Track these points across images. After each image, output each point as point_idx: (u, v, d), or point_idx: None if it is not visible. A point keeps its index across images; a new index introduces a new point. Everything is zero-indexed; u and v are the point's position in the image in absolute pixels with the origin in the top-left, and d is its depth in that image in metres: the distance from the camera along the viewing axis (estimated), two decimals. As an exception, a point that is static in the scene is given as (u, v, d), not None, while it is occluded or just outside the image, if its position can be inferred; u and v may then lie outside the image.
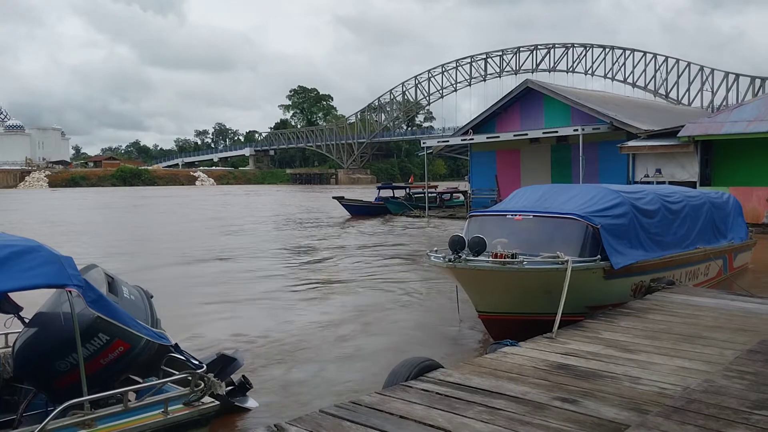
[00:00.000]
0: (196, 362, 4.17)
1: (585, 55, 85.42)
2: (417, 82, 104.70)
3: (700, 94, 74.33)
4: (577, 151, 25.94)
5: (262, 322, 9.26)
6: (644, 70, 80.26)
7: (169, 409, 3.80)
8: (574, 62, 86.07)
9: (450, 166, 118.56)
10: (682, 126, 24.05)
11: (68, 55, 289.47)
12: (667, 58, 78.69)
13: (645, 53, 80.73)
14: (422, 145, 34.95)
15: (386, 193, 35.87)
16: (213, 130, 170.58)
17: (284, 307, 10.39)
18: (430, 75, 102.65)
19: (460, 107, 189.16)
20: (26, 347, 4.02)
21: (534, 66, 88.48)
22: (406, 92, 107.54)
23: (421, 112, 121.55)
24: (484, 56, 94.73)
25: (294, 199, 55.79)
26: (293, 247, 19.20)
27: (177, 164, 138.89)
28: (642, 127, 25.94)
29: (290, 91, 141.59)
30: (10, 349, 4.39)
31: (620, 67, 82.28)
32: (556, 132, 27.65)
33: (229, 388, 5.48)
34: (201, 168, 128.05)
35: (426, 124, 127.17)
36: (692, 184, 21.78)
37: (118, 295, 4.24)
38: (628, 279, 8.00)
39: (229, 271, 14.45)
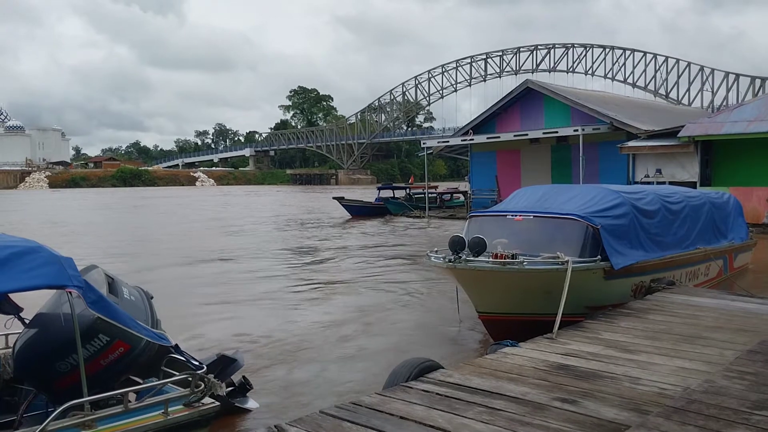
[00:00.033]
0: (197, 363, 4.17)
1: (585, 55, 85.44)
2: (417, 82, 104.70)
3: (700, 94, 74.40)
4: (577, 152, 25.93)
5: (264, 322, 9.26)
6: (644, 70, 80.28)
7: (169, 409, 3.80)
8: (574, 62, 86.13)
9: (450, 166, 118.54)
10: (683, 126, 24.05)
11: (68, 55, 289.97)
12: (667, 58, 78.69)
13: (645, 53, 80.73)
14: (422, 146, 34.95)
15: (386, 193, 35.88)
16: (213, 130, 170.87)
17: (285, 308, 10.39)
18: (430, 75, 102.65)
19: (460, 107, 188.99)
20: (26, 348, 4.02)
21: (534, 66, 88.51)
22: (406, 92, 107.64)
23: (421, 112, 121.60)
24: (484, 56, 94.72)
25: (294, 199, 55.80)
26: (294, 248, 19.20)
27: (177, 165, 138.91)
28: (642, 128, 25.93)
29: (290, 92, 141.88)
30: (10, 350, 4.39)
31: (620, 68, 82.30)
32: (556, 132, 27.64)
33: (230, 388, 5.48)
34: (201, 168, 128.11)
35: (426, 125, 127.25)
36: (692, 185, 21.77)
37: (118, 295, 4.24)
38: (629, 279, 8.00)
39: (230, 272, 14.45)
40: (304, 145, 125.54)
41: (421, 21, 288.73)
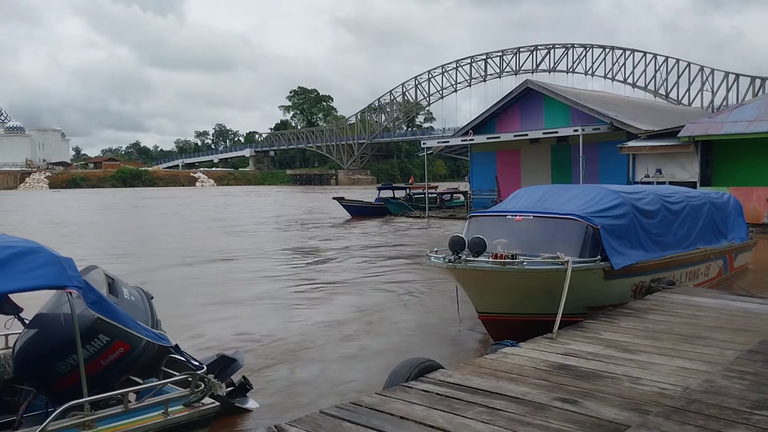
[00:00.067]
0: (197, 363, 4.17)
1: (585, 55, 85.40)
2: (417, 82, 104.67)
3: (700, 94, 74.39)
4: (577, 152, 25.93)
5: (264, 322, 9.26)
6: (644, 71, 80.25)
7: (169, 410, 3.80)
8: (574, 62, 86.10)
9: (450, 166, 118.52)
10: (683, 126, 24.04)
11: (68, 55, 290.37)
12: (667, 58, 78.67)
13: (645, 53, 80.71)
14: (422, 146, 34.95)
15: (386, 193, 35.89)
16: (213, 131, 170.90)
17: (286, 307, 10.39)
18: (430, 75, 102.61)
19: (460, 108, 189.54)
20: (26, 348, 4.03)
21: (534, 66, 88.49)
22: (406, 93, 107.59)
23: (421, 112, 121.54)
24: (484, 57, 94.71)
25: (294, 199, 55.82)
26: (294, 248, 19.20)
27: (177, 165, 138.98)
28: (642, 128, 25.93)
29: (290, 92, 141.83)
30: (10, 350, 4.39)
31: (620, 68, 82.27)
32: (556, 132, 27.64)
33: (230, 389, 5.49)
34: (201, 169, 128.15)
35: (426, 125, 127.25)
36: (692, 185, 21.77)
37: (118, 296, 4.24)
38: (629, 279, 8.00)
39: (231, 272, 14.45)
40: (304, 146, 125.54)
41: (421, 21, 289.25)
